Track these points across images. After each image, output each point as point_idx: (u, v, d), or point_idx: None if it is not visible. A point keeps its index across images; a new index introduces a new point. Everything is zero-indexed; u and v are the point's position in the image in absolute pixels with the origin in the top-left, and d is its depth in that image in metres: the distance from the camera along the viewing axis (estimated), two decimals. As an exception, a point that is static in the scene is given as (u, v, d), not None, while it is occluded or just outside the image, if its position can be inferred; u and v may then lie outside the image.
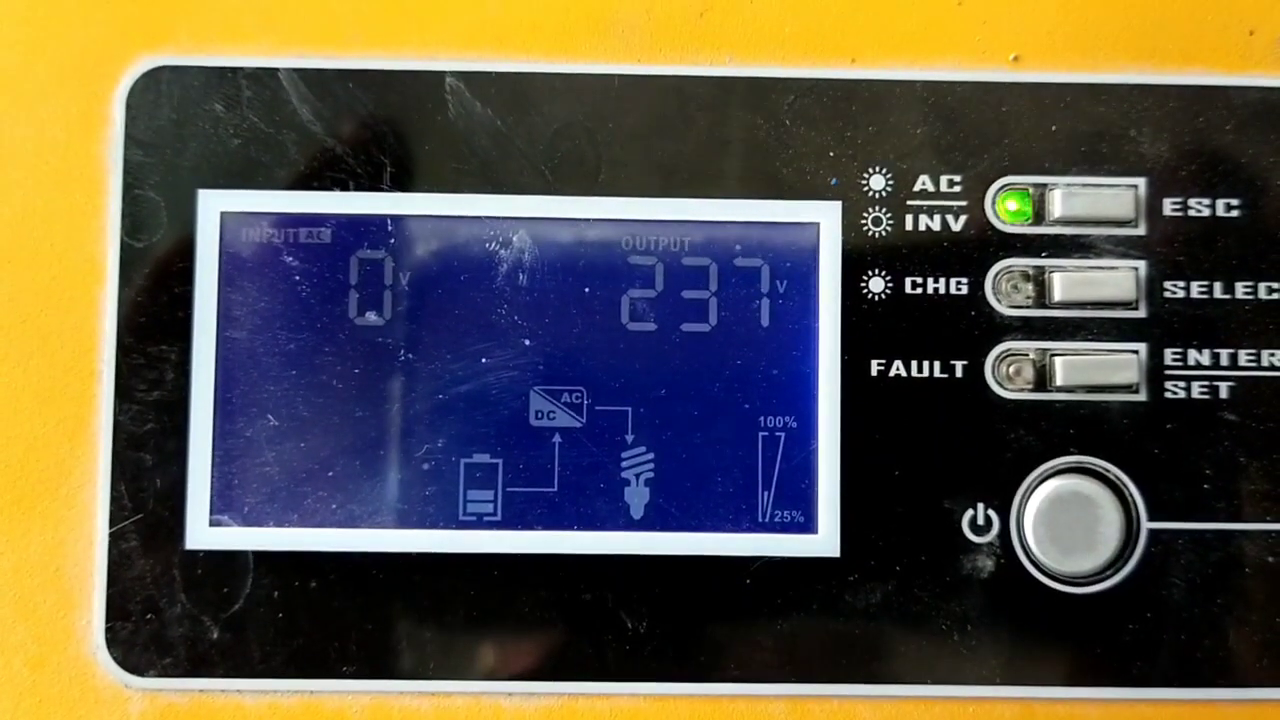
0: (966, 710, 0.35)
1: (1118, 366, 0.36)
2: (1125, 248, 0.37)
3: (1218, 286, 0.37)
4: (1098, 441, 0.36)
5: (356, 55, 0.36)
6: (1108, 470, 0.36)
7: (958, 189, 0.37)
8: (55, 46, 0.36)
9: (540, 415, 0.36)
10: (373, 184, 0.36)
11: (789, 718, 0.35)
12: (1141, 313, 0.36)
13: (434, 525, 0.35)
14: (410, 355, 0.36)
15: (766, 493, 0.36)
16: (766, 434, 0.36)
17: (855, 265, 0.36)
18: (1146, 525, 0.36)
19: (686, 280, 0.36)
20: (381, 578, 0.35)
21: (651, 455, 0.36)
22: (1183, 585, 0.36)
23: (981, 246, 0.37)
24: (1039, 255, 0.37)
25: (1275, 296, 0.36)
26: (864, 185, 0.37)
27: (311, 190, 0.36)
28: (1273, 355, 0.36)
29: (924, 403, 0.36)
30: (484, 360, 0.36)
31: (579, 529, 0.36)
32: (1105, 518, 0.36)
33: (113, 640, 0.35)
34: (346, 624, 0.35)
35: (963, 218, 0.37)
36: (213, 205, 0.36)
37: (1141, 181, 0.37)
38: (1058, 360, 0.36)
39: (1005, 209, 0.37)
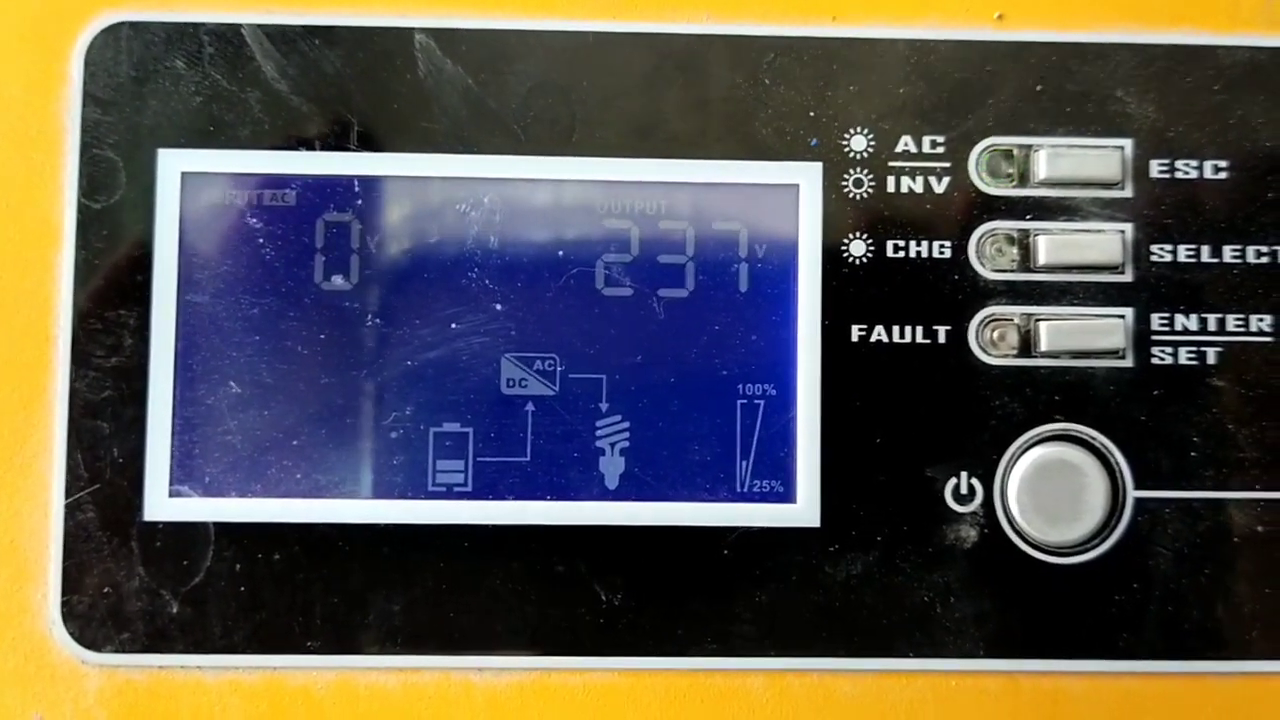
0: (949, 683, 0.35)
1: (1103, 331, 0.35)
2: (1111, 210, 0.36)
3: (1205, 250, 0.36)
4: (1083, 408, 0.35)
5: (323, 11, 0.35)
6: (1093, 438, 0.35)
7: (941, 150, 0.36)
8: (11, 2, 0.35)
9: (512, 383, 0.35)
10: (339, 144, 0.35)
11: (768, 692, 0.34)
12: (1128, 276, 0.36)
13: (402, 495, 0.34)
14: (378, 321, 0.35)
15: (745, 462, 0.35)
16: (745, 402, 0.35)
17: (836, 228, 0.36)
18: (1133, 494, 0.35)
19: (663, 244, 0.35)
20: (347, 550, 0.34)
21: (627, 424, 0.35)
22: (1170, 555, 0.35)
23: (965, 209, 0.36)
24: (1023, 218, 0.36)
25: (1264, 260, 0.36)
26: (845, 146, 0.36)
27: (276, 150, 0.35)
28: (1261, 320, 0.35)
29: (906, 369, 0.35)
30: (454, 326, 0.35)
31: (552, 499, 0.35)
32: (1091, 486, 0.35)
33: (69, 615, 0.34)
34: (311, 598, 0.34)
35: (946, 179, 0.36)
36: (173, 165, 0.35)
37: (1128, 143, 0.36)
38: (1042, 325, 0.35)
39: (989, 170, 0.36)
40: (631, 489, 0.35)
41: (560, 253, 0.35)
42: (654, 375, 0.35)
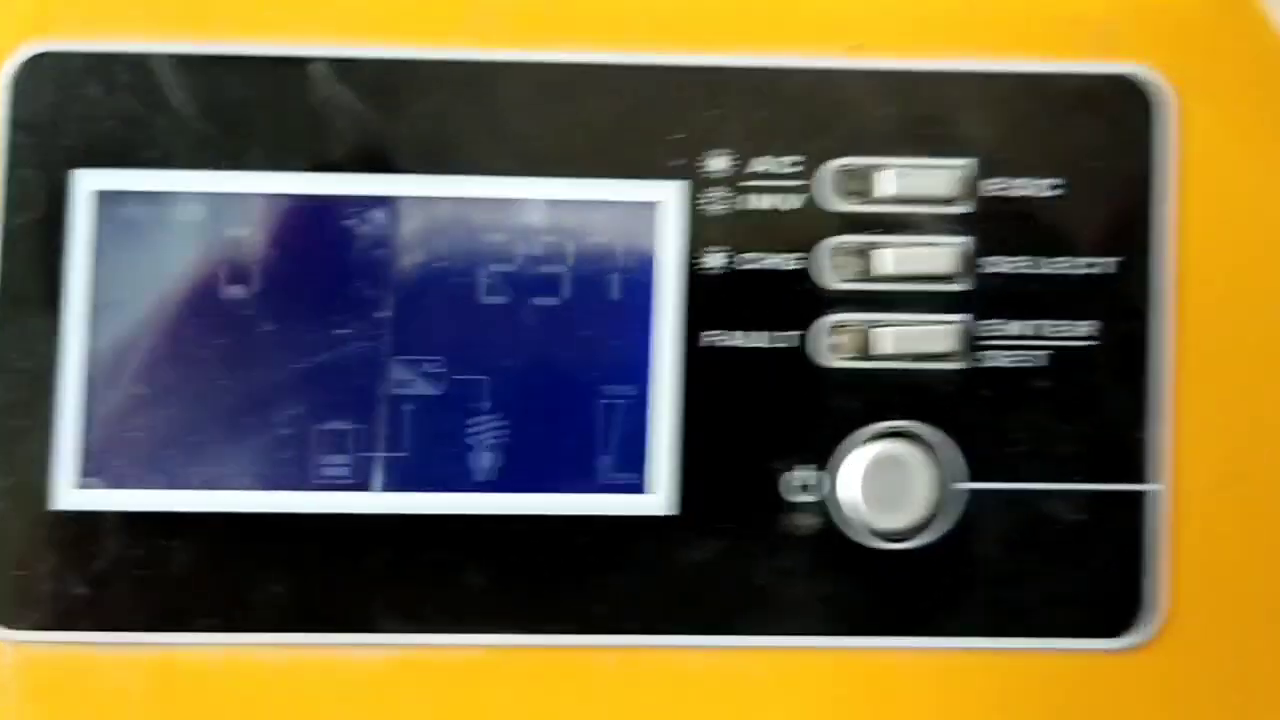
0: (790, 659, 0.38)
1: (938, 337, 0.39)
2: (950, 225, 0.39)
3: (1034, 262, 0.39)
4: (918, 407, 0.39)
5: (228, 41, 0.39)
6: (926, 434, 0.38)
7: (794, 170, 0.39)
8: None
9: (398, 384, 0.38)
10: (242, 164, 0.38)
11: (620, 667, 0.38)
12: (962, 286, 0.39)
13: (293, 487, 0.38)
14: (274, 326, 0.38)
15: (607, 456, 0.38)
16: (609, 401, 0.39)
17: (695, 242, 0.39)
18: (961, 486, 0.38)
19: (540, 257, 0.39)
20: (240, 537, 0.38)
21: (502, 422, 0.39)
22: (993, 541, 0.39)
23: (814, 224, 0.39)
24: (868, 232, 0.39)
25: (1090, 271, 0.39)
26: (706, 166, 0.39)
27: (184, 170, 0.38)
28: (1084, 326, 0.39)
29: (756, 371, 0.39)
30: (345, 331, 0.38)
31: (432, 491, 0.38)
32: (922, 478, 0.38)
33: (-14, 595, 0.38)
34: (206, 582, 0.38)
35: (798, 197, 0.39)
36: (87, 184, 0.38)
37: (967, 163, 0.39)
38: (882, 331, 0.39)
39: (838, 189, 0.39)
40: (505, 481, 0.39)
41: (445, 264, 0.39)
42: (529, 377, 0.39)
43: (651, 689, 0.38)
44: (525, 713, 0.38)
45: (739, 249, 0.39)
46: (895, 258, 0.39)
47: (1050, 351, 0.39)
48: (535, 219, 0.39)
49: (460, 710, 0.38)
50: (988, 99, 0.39)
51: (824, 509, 0.38)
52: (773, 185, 0.39)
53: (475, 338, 0.39)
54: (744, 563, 0.38)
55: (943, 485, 0.38)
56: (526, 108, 0.39)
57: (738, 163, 0.39)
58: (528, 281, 0.39)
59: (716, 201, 0.39)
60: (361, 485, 0.38)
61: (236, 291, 0.38)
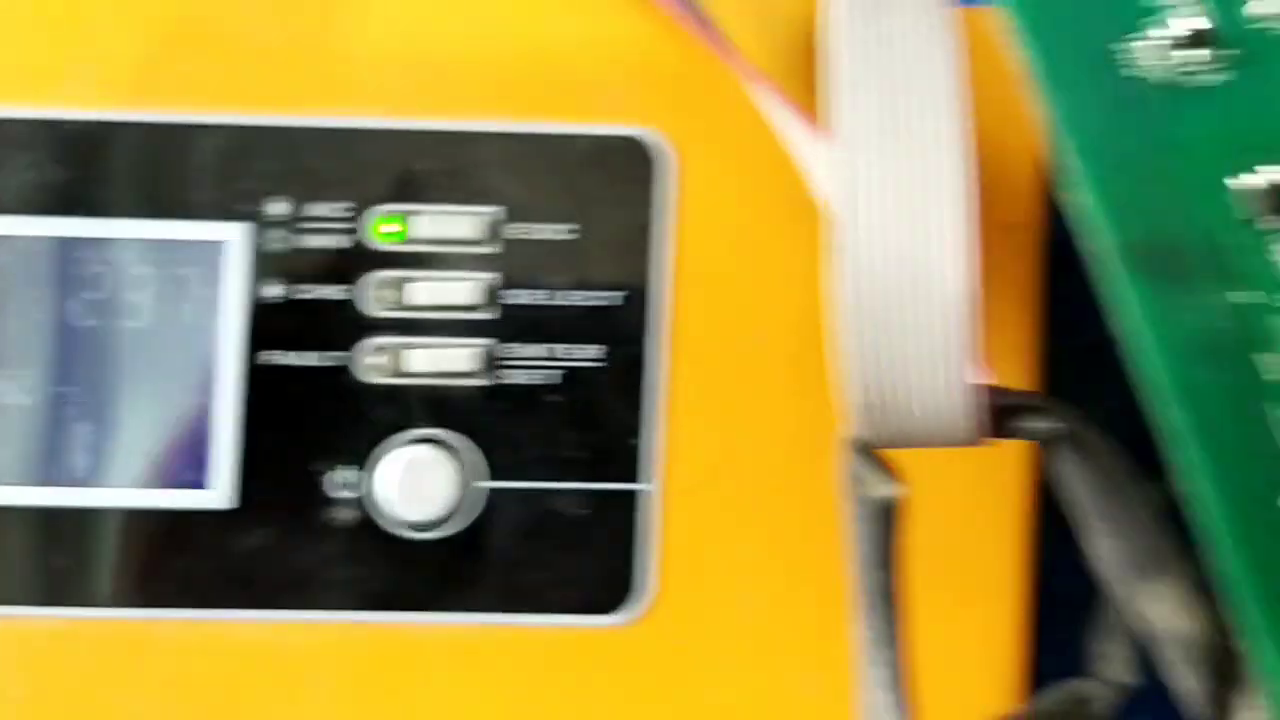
0: (330, 631, 0.45)
1: (464, 357, 0.46)
2: (478, 263, 0.46)
3: (551, 294, 0.47)
4: (445, 417, 0.46)
5: None
6: (452, 440, 0.46)
7: (343, 214, 0.46)
8: None
9: (3, 394, 0.45)
10: None
11: (177, 637, 0.45)
12: (487, 315, 0.46)
13: (-94, 483, 0.45)
14: (-111, 347, 0.45)
15: (179, 458, 0.46)
16: (184, 411, 0.46)
17: (257, 274, 0.46)
18: (481, 484, 0.46)
19: (129, 284, 0.46)
20: None
21: (92, 427, 0.46)
22: (509, 532, 0.46)
23: (360, 261, 0.46)
24: (406, 268, 0.46)
25: (594, 303, 0.46)
26: (269, 210, 0.46)
27: None
28: (592, 349, 0.46)
29: (307, 386, 0.46)
30: (-48, 350, 0.45)
31: (33, 485, 0.45)
32: (447, 478, 0.46)
33: None
34: None
35: (346, 237, 0.46)
36: None
37: (495, 210, 0.47)
38: (415, 352, 0.46)
39: (381, 231, 0.46)
40: (93, 478, 0.46)
41: (46, 291, 0.46)
42: (116, 390, 0.46)
43: (209, 657, 0.45)
44: (101, 675, 0.45)
45: (295, 281, 0.46)
46: (428, 290, 0.46)
47: (562, 370, 0.46)
48: (123, 254, 0.46)
49: (49, 672, 0.45)
50: (513, 156, 0.46)
51: (362, 504, 0.45)
52: (325, 227, 0.46)
53: (69, 355, 0.45)
54: (292, 549, 0.45)
55: (465, 484, 0.46)
56: (128, 159, 0.46)
57: (295, 207, 0.46)
58: (116, 307, 0.46)
59: (276, 241, 0.46)
60: (-34, 482, 0.45)
61: None
